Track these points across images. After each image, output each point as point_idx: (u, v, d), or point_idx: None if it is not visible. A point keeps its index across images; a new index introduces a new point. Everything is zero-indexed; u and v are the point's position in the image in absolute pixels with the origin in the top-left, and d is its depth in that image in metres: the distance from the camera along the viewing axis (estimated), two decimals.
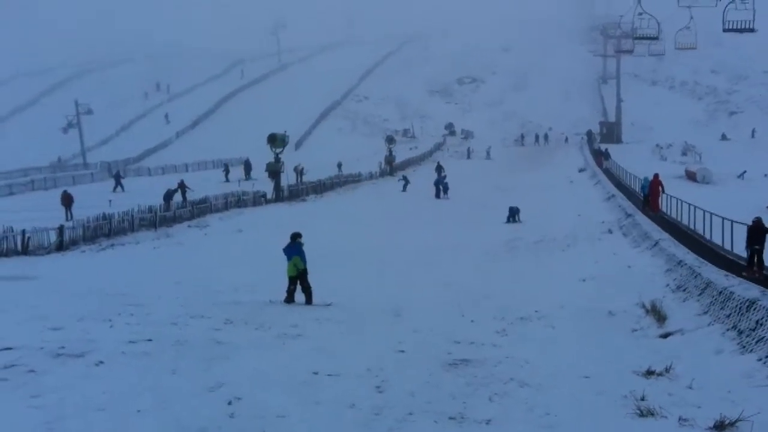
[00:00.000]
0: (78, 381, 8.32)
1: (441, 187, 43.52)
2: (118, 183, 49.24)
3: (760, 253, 15.76)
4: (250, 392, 8.04)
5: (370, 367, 9.46)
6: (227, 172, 55.55)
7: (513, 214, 32.64)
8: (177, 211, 33.72)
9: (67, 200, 35.26)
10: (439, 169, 50.13)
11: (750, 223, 16.18)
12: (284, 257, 16.32)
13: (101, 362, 9.12)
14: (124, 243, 27.86)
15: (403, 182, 47.20)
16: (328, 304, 15.86)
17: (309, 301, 16.03)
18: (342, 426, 7.12)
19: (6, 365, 8.88)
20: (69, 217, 33.30)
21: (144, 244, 27.95)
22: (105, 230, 28.56)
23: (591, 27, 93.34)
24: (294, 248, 16.15)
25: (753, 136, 74.94)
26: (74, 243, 26.82)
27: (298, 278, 16.06)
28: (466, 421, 7.46)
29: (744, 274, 15.53)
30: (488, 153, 70.65)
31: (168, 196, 35.90)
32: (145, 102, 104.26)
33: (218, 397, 7.88)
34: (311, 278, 16.13)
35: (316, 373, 9.01)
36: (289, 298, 16.04)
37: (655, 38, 43.30)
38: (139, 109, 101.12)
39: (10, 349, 9.69)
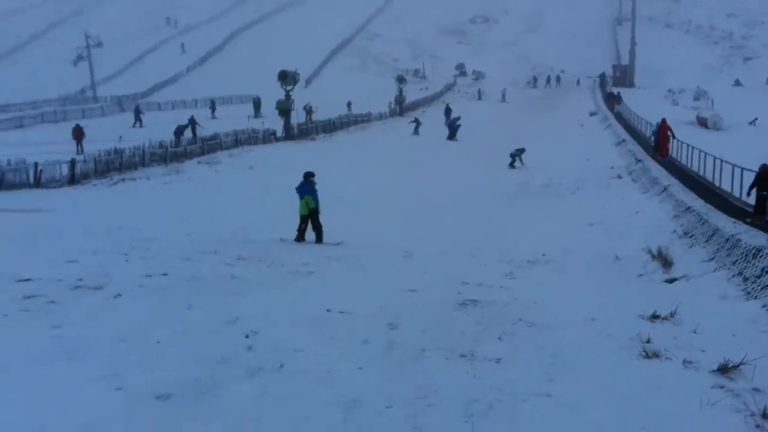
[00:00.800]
0: (98, 312, 8.55)
1: (454, 129, 43.29)
2: (137, 119, 48.84)
3: (766, 198, 15.87)
4: (265, 327, 8.24)
5: (382, 305, 9.65)
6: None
7: (514, 158, 32.41)
8: (187, 147, 33.81)
9: (78, 134, 35.35)
10: (447, 111, 49.83)
11: (758, 170, 16.25)
12: (295, 196, 16.47)
13: (119, 295, 9.34)
14: (135, 178, 28.07)
15: (414, 124, 46.74)
16: (339, 243, 16.06)
17: (319, 239, 16.23)
18: (357, 360, 7.32)
19: (26, 296, 9.12)
20: (80, 151, 33.48)
21: (155, 179, 28.13)
22: (116, 165, 28.77)
23: None
24: (306, 187, 16.27)
25: None
26: (85, 177, 27.05)
27: (310, 217, 16.23)
28: (477, 358, 7.65)
29: (748, 219, 15.61)
30: (503, 95, 69.10)
31: (179, 131, 35.94)
32: (153, 36, 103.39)
33: (235, 330, 8.09)
34: (322, 218, 16.31)
35: (329, 310, 9.20)
36: (300, 237, 16.24)
37: None
38: (149, 42, 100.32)
39: (29, 280, 9.92)
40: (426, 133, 45.11)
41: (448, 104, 54.86)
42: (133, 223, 17.51)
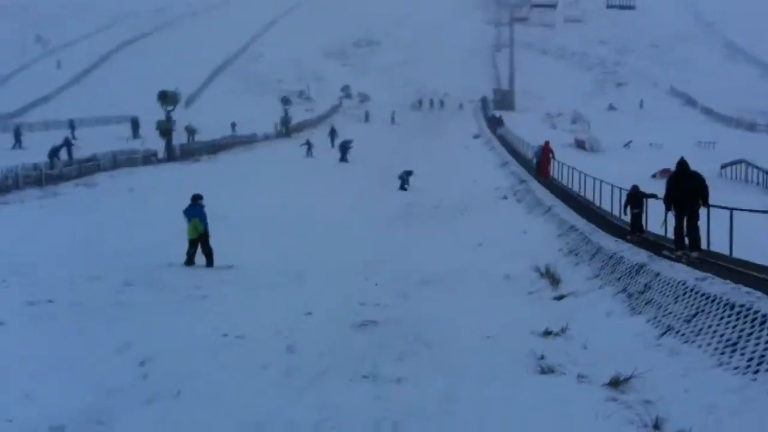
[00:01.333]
0: None
1: (345, 150, 43.22)
2: (17, 140, 45.86)
3: (639, 216, 16.75)
4: (160, 353, 7.96)
5: (278, 328, 9.50)
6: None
7: (403, 180, 32.65)
8: (64, 169, 32.42)
9: None
10: (332, 132, 49.82)
11: (629, 190, 17.13)
12: (181, 218, 16.06)
13: (2, 323, 8.82)
14: (8, 201, 26.61)
15: (306, 146, 46.14)
16: (230, 267, 15.73)
17: (210, 263, 15.86)
18: (256, 386, 7.16)
19: None
20: None
21: (30, 202, 26.76)
22: None
23: None
24: (194, 210, 15.89)
25: (641, 106, 78.21)
26: None
27: (199, 241, 15.85)
28: (379, 379, 7.63)
29: (628, 237, 16.35)
30: (393, 118, 69.87)
31: (53, 152, 34.35)
32: (23, 56, 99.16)
33: (129, 358, 7.78)
34: (211, 240, 15.95)
35: (225, 335, 8.99)
36: (190, 261, 15.83)
37: (553, 6, 44.55)
38: (17, 62, 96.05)
39: None
40: (316, 154, 45.07)
41: (333, 126, 54.93)
42: (9, 248, 16.57)
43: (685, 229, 13.37)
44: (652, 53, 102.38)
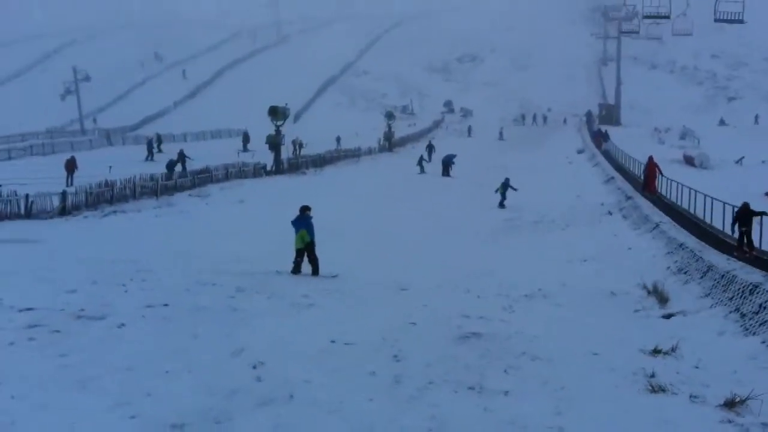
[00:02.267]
0: (103, 342, 8.50)
1: (448, 165, 43.10)
2: (150, 152, 47.94)
3: (748, 234, 16.71)
4: (271, 358, 8.22)
5: (384, 337, 9.65)
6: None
7: (503, 195, 32.01)
8: (178, 180, 33.78)
9: (71, 166, 35.34)
10: (429, 147, 49.57)
11: (738, 207, 17.12)
12: (288, 228, 16.49)
13: (123, 324, 9.29)
14: (126, 210, 27.94)
15: (419, 165, 43.95)
16: (335, 276, 16.04)
17: (316, 272, 16.20)
18: (365, 392, 7.31)
19: (30, 324, 9.05)
20: (70, 183, 33.38)
21: (146, 212, 28.02)
22: (107, 197, 28.63)
23: (593, 8, 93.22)
24: (302, 221, 16.29)
25: (756, 122, 75.01)
26: (76, 208, 26.88)
27: (305, 250, 16.23)
28: (485, 391, 7.66)
29: (735, 254, 16.29)
30: (501, 133, 68.13)
31: (170, 165, 35.93)
32: (142, 71, 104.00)
33: (242, 361, 8.07)
34: (317, 251, 16.31)
35: (333, 342, 9.20)
36: (296, 269, 16.22)
37: (666, 17, 43.31)
38: (137, 77, 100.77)
39: (31, 309, 9.85)
40: (414, 168, 45.07)
41: (431, 141, 54.82)
42: (127, 255, 17.41)
43: None
44: (766, 66, 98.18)
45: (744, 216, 16.78)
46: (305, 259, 16.32)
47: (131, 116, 79.65)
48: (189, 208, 29.03)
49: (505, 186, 31.58)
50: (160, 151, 49.45)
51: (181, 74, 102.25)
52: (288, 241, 16.68)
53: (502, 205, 31.27)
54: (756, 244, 15.56)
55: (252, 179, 38.61)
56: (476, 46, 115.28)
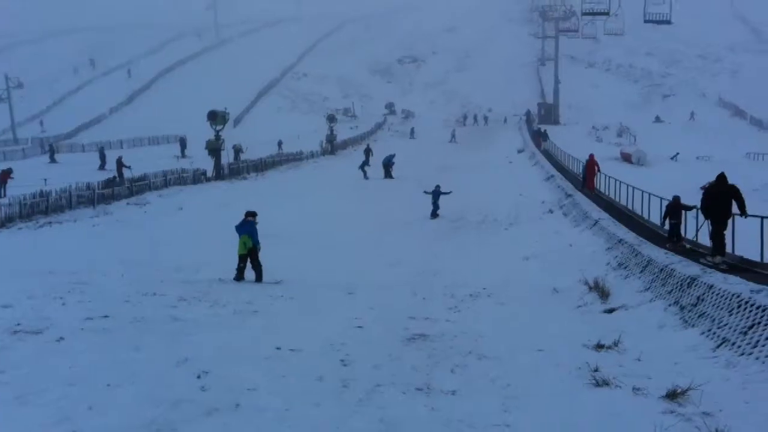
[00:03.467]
0: (41, 357, 8.24)
1: (390, 166, 43.05)
2: (103, 161, 46.64)
3: (677, 226, 17.88)
4: (216, 367, 8.09)
5: (331, 342, 9.61)
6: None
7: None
8: (115, 188, 33.12)
9: (4, 177, 34.41)
10: (368, 151, 49.23)
11: (669, 201, 18.25)
12: (229, 235, 16.34)
13: (62, 338, 9.04)
14: (62, 221, 27.27)
15: (362, 171, 43.37)
16: (278, 282, 15.93)
17: (259, 278, 16.08)
18: (313, 397, 7.24)
19: None
20: (2, 194, 32.49)
21: (83, 221, 27.42)
22: (42, 207, 27.91)
23: (532, 8, 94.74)
24: (245, 226, 16.14)
25: (692, 118, 76.92)
26: (10, 220, 26.15)
27: (248, 256, 16.08)
28: (433, 391, 7.66)
29: (667, 245, 17.22)
30: (453, 135, 66.87)
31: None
32: (75, 77, 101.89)
33: (186, 371, 7.92)
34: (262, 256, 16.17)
35: (279, 348, 9.10)
36: (239, 276, 16.06)
37: (606, 14, 44.22)
38: (71, 84, 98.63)
39: None
40: (357, 172, 44.93)
41: (368, 145, 54.30)
42: (64, 266, 16.98)
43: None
44: (700, 64, 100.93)
45: (674, 209, 17.91)
46: (248, 265, 16.18)
47: (66, 124, 77.79)
48: (127, 217, 28.51)
49: (437, 194, 28.94)
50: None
51: (125, 74, 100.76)
52: (229, 247, 16.52)
53: (434, 214, 28.85)
54: (728, 241, 16.08)
55: (192, 186, 38.12)
56: (418, 47, 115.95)
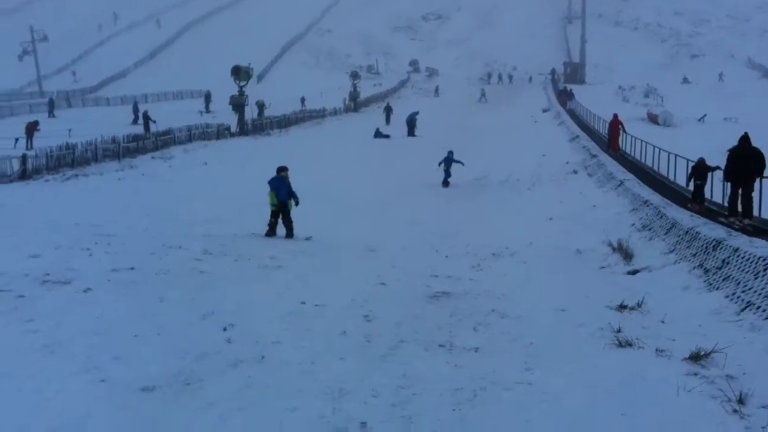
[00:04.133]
0: (70, 306, 8.35)
1: (412, 124, 42.83)
2: (136, 115, 46.62)
3: (702, 187, 17.96)
4: (241, 320, 8.18)
5: (354, 298, 9.66)
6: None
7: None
8: (140, 142, 33.28)
9: (32, 129, 34.72)
10: (388, 109, 48.89)
11: (694, 162, 18.36)
12: (255, 190, 16.36)
13: (89, 289, 9.15)
14: (87, 174, 27.52)
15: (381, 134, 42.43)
16: (309, 238, 15.93)
17: (290, 234, 16.02)
18: (337, 352, 7.31)
19: None
20: (29, 146, 32.75)
21: (108, 174, 27.64)
22: (68, 160, 28.16)
23: None
24: (274, 181, 16.05)
25: (721, 79, 75.58)
26: (37, 172, 26.43)
27: (280, 212, 15.99)
28: (455, 348, 7.71)
29: (689, 205, 17.50)
30: (483, 94, 65.00)
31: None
32: (99, 32, 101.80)
33: (211, 324, 8.01)
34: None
35: (303, 303, 9.18)
36: (271, 232, 15.95)
37: None
38: (95, 38, 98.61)
39: None
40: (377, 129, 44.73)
41: (388, 103, 54.14)
42: (90, 219, 17.15)
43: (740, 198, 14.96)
44: (729, 24, 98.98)
45: (699, 171, 17.92)
46: (280, 221, 16.12)
47: (91, 78, 78.02)
48: (152, 171, 28.70)
49: (449, 161, 27.56)
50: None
51: (151, 27, 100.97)
52: (253, 202, 16.54)
53: (446, 183, 27.40)
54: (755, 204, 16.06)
55: (216, 141, 38.24)
56: (442, 3, 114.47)
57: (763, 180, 14.80)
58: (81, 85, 73.09)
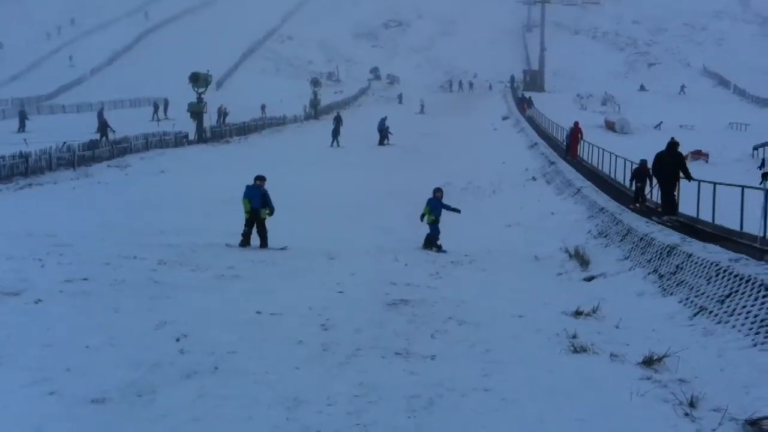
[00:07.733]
0: (19, 318, 8.17)
1: (383, 132, 42.14)
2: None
3: (642, 189, 19.68)
4: (196, 330, 8.08)
5: (311, 306, 9.61)
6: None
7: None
8: (96, 150, 32.80)
9: None
10: (337, 119, 47.24)
11: (636, 165, 20.20)
12: (211, 199, 16.16)
13: (40, 300, 8.97)
14: (42, 183, 27.00)
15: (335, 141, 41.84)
16: (284, 248, 15.65)
17: (264, 244, 15.77)
18: (293, 361, 7.25)
19: None
20: None
21: (63, 183, 27.16)
22: (21, 169, 27.58)
23: None
24: (249, 190, 15.83)
25: (682, 91, 76.09)
26: None
27: (254, 221, 15.75)
28: (412, 356, 7.70)
29: (631, 206, 18.82)
30: (422, 106, 64.34)
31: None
32: (56, 39, 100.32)
33: (165, 334, 7.90)
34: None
35: (259, 312, 9.10)
36: (244, 242, 15.66)
37: None
38: (51, 44, 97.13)
39: None
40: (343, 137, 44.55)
41: (338, 112, 52.08)
42: (43, 229, 16.79)
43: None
44: (686, 32, 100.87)
45: (639, 173, 19.61)
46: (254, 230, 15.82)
47: (47, 85, 76.68)
48: (108, 179, 28.27)
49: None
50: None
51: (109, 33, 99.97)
52: (212, 211, 16.37)
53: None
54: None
55: (173, 149, 37.82)
56: (403, 11, 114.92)
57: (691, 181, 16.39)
58: (35, 92, 71.72)
